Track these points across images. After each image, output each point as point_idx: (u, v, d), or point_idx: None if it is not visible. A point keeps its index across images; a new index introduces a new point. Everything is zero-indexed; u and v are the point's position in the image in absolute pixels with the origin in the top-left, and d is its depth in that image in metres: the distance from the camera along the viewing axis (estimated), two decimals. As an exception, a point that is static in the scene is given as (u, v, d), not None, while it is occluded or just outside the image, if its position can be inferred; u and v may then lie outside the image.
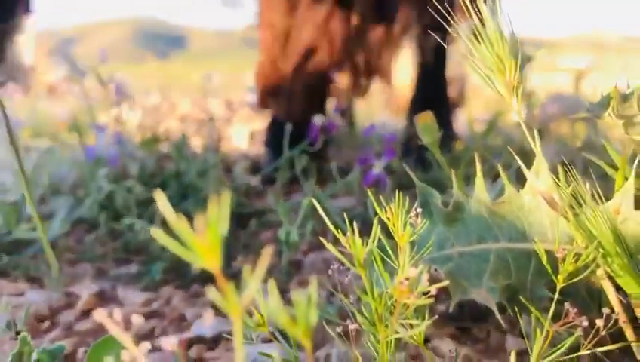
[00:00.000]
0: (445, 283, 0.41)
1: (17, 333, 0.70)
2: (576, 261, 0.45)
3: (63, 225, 1.10)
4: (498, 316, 0.66)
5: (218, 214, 0.29)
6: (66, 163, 1.44)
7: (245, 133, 2.10)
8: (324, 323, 0.57)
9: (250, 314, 0.49)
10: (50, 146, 1.66)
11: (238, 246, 1.08)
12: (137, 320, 0.33)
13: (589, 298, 0.64)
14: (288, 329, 0.31)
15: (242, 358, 0.31)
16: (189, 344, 0.71)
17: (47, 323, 0.79)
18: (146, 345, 0.32)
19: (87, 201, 1.19)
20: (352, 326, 0.50)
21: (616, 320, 0.46)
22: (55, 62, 4.15)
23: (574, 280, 0.45)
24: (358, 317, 0.47)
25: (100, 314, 0.32)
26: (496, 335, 0.74)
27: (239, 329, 0.30)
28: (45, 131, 2.06)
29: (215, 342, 0.73)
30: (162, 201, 0.31)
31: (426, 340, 0.70)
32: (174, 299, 0.85)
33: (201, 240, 0.28)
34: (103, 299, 0.87)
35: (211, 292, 0.29)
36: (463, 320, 0.77)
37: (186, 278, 0.95)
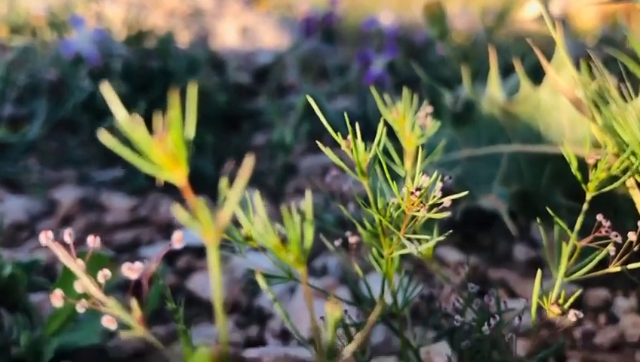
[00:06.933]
0: (461, 194, 0.35)
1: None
2: (608, 168, 0.40)
3: (43, 128, 1.03)
4: (508, 223, 0.62)
5: (183, 114, 0.23)
6: (46, 61, 1.34)
7: (236, 28, 1.98)
8: (321, 234, 0.52)
9: (238, 225, 0.44)
10: (28, 43, 1.55)
11: (229, 149, 1.02)
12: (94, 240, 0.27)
13: (608, 207, 0.59)
14: (279, 256, 0.26)
15: (218, 284, 0.26)
16: (177, 253, 0.68)
17: (26, 232, 0.74)
18: (107, 272, 0.26)
19: (69, 102, 1.11)
20: (352, 240, 0.45)
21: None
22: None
23: (605, 189, 0.40)
24: (359, 229, 0.42)
25: (45, 236, 0.26)
26: (503, 243, 0.70)
27: (215, 256, 0.24)
28: (24, 27, 1.93)
29: (205, 249, 0.69)
30: (111, 97, 0.24)
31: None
32: (162, 205, 0.81)
33: (162, 145, 0.22)
34: (86, 205, 0.82)
35: (179, 212, 0.23)
36: (468, 226, 0.73)
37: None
